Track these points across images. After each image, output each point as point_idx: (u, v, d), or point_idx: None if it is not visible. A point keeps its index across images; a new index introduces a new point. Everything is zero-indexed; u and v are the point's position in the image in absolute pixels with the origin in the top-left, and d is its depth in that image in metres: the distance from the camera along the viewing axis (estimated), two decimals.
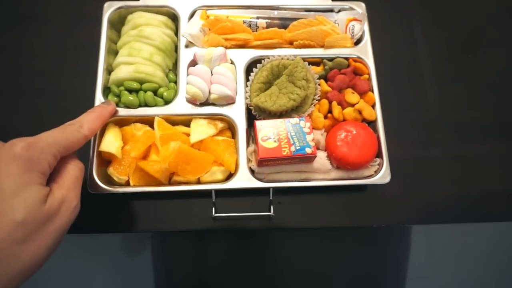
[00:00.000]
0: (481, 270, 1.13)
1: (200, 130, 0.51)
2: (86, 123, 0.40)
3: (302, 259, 0.77)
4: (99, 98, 0.52)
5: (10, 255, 0.30)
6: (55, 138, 0.35)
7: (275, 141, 0.48)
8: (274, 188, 0.51)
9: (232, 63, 0.54)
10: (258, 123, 0.49)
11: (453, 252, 1.17)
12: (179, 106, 0.52)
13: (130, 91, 0.52)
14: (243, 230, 0.53)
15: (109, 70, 0.54)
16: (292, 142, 0.48)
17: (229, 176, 0.51)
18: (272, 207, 0.51)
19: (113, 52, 0.56)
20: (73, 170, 0.37)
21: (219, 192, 0.51)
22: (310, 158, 0.49)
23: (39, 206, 0.31)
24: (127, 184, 0.50)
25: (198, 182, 0.51)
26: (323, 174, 0.51)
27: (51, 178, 0.35)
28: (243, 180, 0.49)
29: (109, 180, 0.50)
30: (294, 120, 0.49)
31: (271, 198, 0.51)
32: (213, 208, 0.51)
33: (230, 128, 0.54)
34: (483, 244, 1.15)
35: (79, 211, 0.36)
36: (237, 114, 0.52)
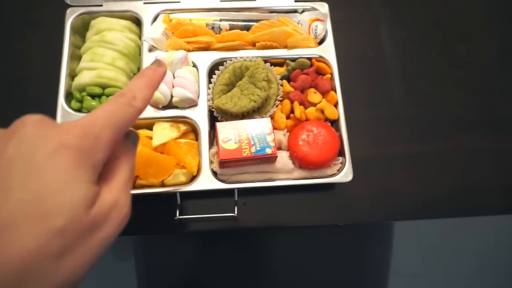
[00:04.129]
0: (471, 266, 1.14)
1: (163, 133, 0.51)
2: (138, 93, 0.30)
3: (279, 259, 0.77)
4: (61, 104, 0.52)
5: (42, 273, 0.23)
6: (111, 119, 0.27)
7: (235, 143, 0.48)
8: (239, 189, 0.51)
9: (194, 66, 0.54)
10: (219, 125, 0.49)
11: (439, 248, 1.17)
12: None
13: (93, 96, 0.53)
14: (208, 232, 0.53)
15: (72, 76, 0.55)
16: (252, 143, 0.48)
17: (193, 179, 0.51)
18: (236, 208, 0.52)
19: (77, 57, 0.56)
20: (125, 167, 0.29)
21: (184, 195, 0.51)
22: (271, 159, 0.49)
23: (85, 211, 0.24)
24: None
25: (162, 185, 0.51)
26: (286, 174, 0.52)
27: (100, 174, 0.27)
28: (206, 182, 0.50)
29: None
30: (255, 121, 0.49)
31: (236, 199, 0.52)
32: (177, 211, 0.51)
33: (193, 130, 0.54)
34: (464, 239, 1.16)
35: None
36: (200, 116, 0.52)
